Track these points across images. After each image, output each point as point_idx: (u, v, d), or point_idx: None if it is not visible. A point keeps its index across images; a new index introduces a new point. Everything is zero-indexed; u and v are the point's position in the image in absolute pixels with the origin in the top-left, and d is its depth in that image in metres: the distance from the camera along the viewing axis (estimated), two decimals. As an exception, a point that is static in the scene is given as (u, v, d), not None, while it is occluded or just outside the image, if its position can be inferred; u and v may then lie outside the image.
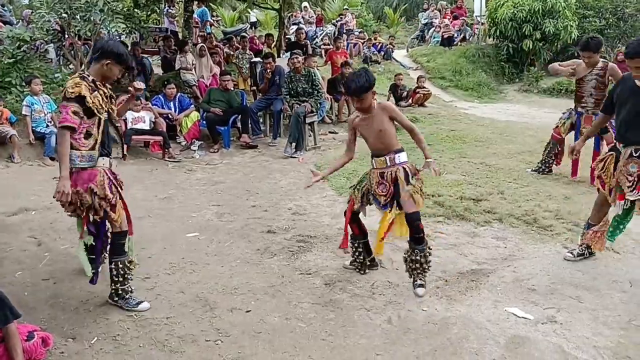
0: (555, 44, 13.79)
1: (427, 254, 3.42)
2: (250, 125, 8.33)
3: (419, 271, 3.41)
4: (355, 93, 3.36)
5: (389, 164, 3.46)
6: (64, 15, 7.92)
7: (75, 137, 3.02)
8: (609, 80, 5.45)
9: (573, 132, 5.75)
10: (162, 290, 3.44)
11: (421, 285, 3.42)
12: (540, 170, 6.04)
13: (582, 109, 5.63)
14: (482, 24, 15.87)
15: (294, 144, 7.58)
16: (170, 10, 13.10)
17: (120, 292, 3.19)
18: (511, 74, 14.36)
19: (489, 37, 15.29)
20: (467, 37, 16.48)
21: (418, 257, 3.38)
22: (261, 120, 8.86)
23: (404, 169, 3.42)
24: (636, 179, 3.42)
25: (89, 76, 3.08)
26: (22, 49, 7.82)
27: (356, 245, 3.70)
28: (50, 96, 7.33)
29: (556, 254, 3.99)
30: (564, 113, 5.96)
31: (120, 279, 3.18)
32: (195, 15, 12.90)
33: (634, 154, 3.42)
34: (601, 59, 5.56)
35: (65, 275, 3.64)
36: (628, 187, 3.44)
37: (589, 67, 5.49)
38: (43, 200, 5.20)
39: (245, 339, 2.91)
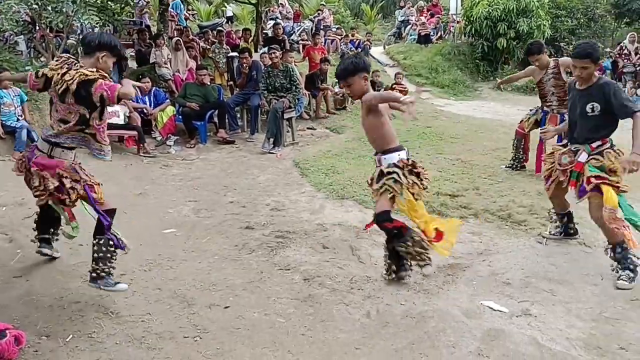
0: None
1: (407, 245, 3.27)
2: (227, 121, 8.27)
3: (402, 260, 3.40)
4: (339, 76, 3.33)
5: (377, 165, 3.41)
6: (34, 6, 7.70)
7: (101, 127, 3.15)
8: (568, 74, 5.62)
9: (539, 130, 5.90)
10: (138, 287, 3.39)
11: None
12: (514, 166, 6.16)
13: (548, 108, 5.79)
14: (458, 22, 16.06)
15: (271, 140, 7.54)
16: (139, 3, 12.86)
17: (98, 273, 3.16)
18: (486, 72, 14.59)
19: (465, 35, 15.49)
20: (443, 35, 16.65)
21: (398, 247, 3.32)
22: (238, 115, 8.80)
23: (381, 170, 3.30)
24: (568, 173, 3.67)
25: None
26: (-10, 40, 7.61)
27: None
28: (21, 89, 7.12)
29: (530, 248, 4.08)
30: (531, 110, 6.12)
31: (102, 258, 3.17)
32: (170, 9, 12.72)
33: (572, 149, 3.68)
34: (552, 59, 5.78)
35: (38, 272, 3.56)
36: (562, 181, 3.71)
37: (543, 68, 5.67)
38: (14, 196, 5.06)
39: (224, 334, 2.89)
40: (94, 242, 3.20)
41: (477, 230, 4.46)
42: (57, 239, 3.69)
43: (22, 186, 5.41)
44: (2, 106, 6.75)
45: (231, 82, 10.06)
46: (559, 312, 3.13)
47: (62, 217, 3.47)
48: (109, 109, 7.72)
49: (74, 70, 2.98)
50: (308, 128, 9.03)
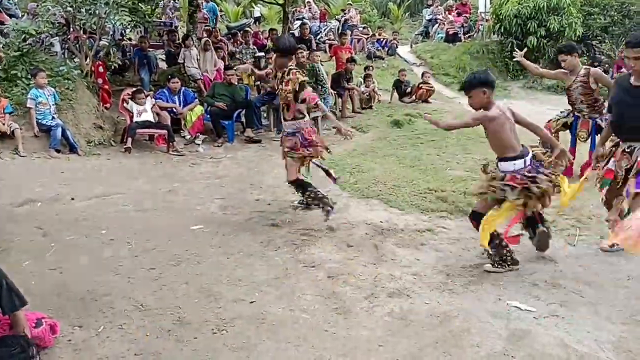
0: (560, 41, 13.74)
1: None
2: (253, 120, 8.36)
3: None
4: (464, 89, 3.62)
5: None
6: (69, 8, 7.93)
7: None
8: (597, 85, 5.48)
9: (569, 133, 5.81)
10: (167, 281, 3.48)
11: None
12: (542, 166, 6.07)
13: (579, 113, 5.68)
14: (487, 20, 15.84)
15: (297, 139, 7.59)
16: (169, 4, 13.10)
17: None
18: (515, 71, 14.33)
19: (494, 34, 15.27)
20: (472, 34, 16.45)
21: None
22: (264, 114, 8.87)
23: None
24: (624, 173, 3.67)
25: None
26: (27, 42, 7.84)
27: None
28: (56, 89, 7.35)
29: (559, 249, 4.01)
30: (562, 112, 6.00)
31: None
32: (204, 11, 12.93)
33: (626, 150, 3.68)
34: (583, 66, 5.64)
35: (72, 265, 3.68)
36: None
37: (570, 71, 5.54)
38: (49, 191, 5.25)
39: (250, 329, 2.94)
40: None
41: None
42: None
43: (57, 182, 5.63)
44: (38, 105, 6.98)
45: (258, 82, 10.15)
46: (587, 314, 3.08)
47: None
48: (139, 107, 7.98)
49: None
50: (334, 127, 9.04)
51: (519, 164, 3.47)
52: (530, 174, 3.44)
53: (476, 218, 3.62)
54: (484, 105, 3.54)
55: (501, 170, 3.51)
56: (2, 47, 7.70)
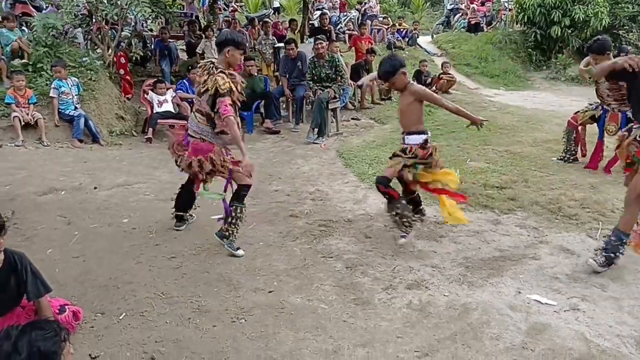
0: (585, 31, 13.44)
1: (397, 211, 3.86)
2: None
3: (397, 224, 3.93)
4: (384, 78, 3.88)
5: (404, 142, 3.94)
6: (91, -1, 8.04)
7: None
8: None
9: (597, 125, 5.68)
10: (187, 270, 3.52)
11: (402, 237, 3.96)
12: (566, 158, 5.96)
13: (607, 107, 5.52)
14: (510, 9, 15.55)
15: (316, 130, 7.58)
16: None
17: (227, 233, 3.71)
18: (539, 61, 14.08)
19: (517, 24, 14.99)
20: (495, 24, 16.18)
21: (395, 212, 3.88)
22: (283, 105, 8.88)
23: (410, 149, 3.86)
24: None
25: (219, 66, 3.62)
26: (52, 34, 7.96)
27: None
28: (79, 79, 7.46)
29: (581, 242, 3.95)
30: (591, 104, 5.85)
31: (233, 222, 3.70)
32: (219, 2, 12.97)
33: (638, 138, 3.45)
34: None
35: (94, 253, 3.75)
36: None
37: None
38: (72, 180, 5.34)
39: (268, 318, 2.97)
40: (231, 207, 3.74)
41: (525, 223, 4.35)
42: (191, 218, 4.29)
43: (80, 171, 5.72)
44: (61, 95, 7.10)
45: (277, 73, 10.16)
46: (610, 309, 3.03)
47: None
48: (160, 98, 8.04)
49: (212, 78, 3.58)
50: (352, 118, 9.02)
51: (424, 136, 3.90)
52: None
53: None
54: (406, 85, 3.86)
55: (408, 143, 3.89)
56: (30, 42, 7.84)
